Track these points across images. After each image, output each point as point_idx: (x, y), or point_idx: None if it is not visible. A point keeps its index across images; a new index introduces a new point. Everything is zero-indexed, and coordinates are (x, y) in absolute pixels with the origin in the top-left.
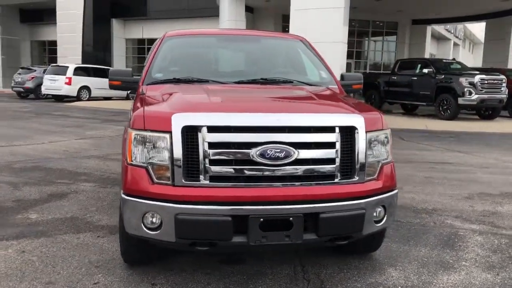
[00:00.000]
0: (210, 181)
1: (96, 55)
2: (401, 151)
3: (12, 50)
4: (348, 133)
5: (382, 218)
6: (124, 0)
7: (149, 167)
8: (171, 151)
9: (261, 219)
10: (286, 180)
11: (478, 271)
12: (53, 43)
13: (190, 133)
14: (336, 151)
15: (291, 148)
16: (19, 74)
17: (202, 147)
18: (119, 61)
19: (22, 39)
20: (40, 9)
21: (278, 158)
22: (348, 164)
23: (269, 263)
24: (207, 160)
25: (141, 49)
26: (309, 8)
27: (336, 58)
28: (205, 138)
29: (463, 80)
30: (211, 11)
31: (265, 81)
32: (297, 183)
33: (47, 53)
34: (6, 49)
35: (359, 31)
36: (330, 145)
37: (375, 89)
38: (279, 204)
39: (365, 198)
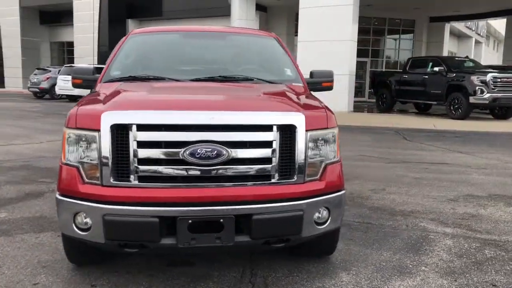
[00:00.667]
0: (139, 181)
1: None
2: (400, 151)
3: (32, 51)
4: (287, 132)
5: (326, 220)
6: (140, 0)
7: (80, 166)
8: (100, 150)
9: (190, 221)
10: (218, 180)
11: (435, 277)
12: (71, 44)
13: (120, 132)
14: (273, 150)
15: (223, 147)
16: (35, 74)
17: (132, 146)
18: None
19: (42, 41)
20: (58, 10)
21: (209, 158)
22: (287, 164)
23: (218, 265)
24: (136, 160)
25: None
26: (317, 5)
27: (345, 57)
28: (135, 136)
29: (475, 79)
30: (224, 10)
31: (224, 79)
32: (229, 184)
33: (66, 54)
34: (27, 51)
35: (376, 29)
36: (267, 144)
37: (387, 88)
38: (208, 205)
39: (303, 199)
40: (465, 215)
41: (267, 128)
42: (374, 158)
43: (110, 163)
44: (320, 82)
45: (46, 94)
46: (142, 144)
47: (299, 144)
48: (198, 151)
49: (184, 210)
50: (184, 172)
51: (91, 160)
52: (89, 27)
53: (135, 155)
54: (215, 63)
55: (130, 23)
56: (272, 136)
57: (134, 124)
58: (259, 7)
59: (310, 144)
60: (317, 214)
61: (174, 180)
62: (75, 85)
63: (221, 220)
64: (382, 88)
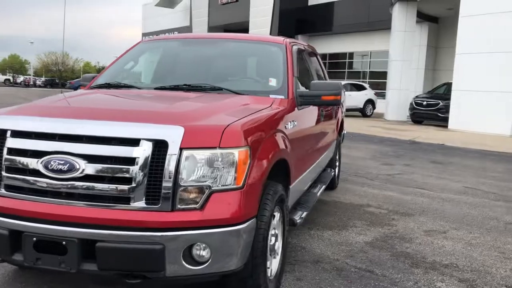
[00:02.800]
0: (5, 190)
1: None
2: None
3: None
4: (160, 148)
5: (205, 261)
6: (310, 16)
7: None
8: None
9: (34, 238)
10: (71, 197)
11: None
12: None
13: (0, 138)
14: (136, 169)
15: (79, 160)
16: None
17: (4, 152)
18: None
19: None
20: (240, 29)
21: (61, 171)
22: (154, 187)
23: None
24: (4, 167)
25: (324, 64)
26: (479, 13)
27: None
28: (7, 143)
29: None
30: (388, 23)
31: (189, 88)
32: (81, 203)
33: None
34: None
35: None
36: (129, 161)
37: None
38: (53, 224)
39: (165, 230)
40: None
41: (133, 142)
42: (480, 192)
43: None
44: (319, 95)
45: None
46: (10, 151)
47: (169, 164)
48: (52, 162)
49: (29, 225)
50: (36, 185)
51: None
52: None
53: (3, 162)
54: (197, 71)
55: (300, 39)
56: (137, 152)
57: (8, 129)
58: (428, 18)
59: (187, 165)
60: (191, 251)
61: (28, 192)
62: None
63: (64, 242)
64: None
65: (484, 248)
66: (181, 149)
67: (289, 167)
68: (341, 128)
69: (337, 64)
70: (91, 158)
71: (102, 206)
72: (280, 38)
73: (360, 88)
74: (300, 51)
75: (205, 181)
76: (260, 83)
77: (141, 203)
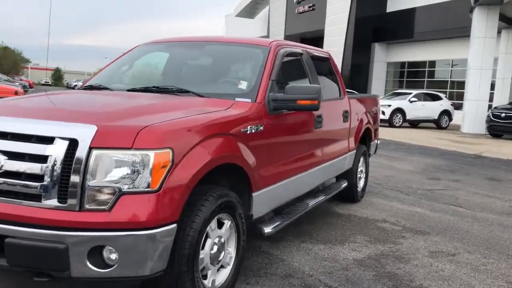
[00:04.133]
0: None
1: (352, 79)
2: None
3: None
4: (72, 147)
5: (112, 264)
6: (388, 24)
7: None
8: None
9: None
10: None
11: None
12: None
13: None
14: (47, 167)
15: (0, 156)
16: None
17: None
18: (378, 85)
19: None
20: (315, 37)
21: None
22: (64, 185)
23: None
24: None
25: (402, 72)
26: None
27: None
28: None
29: None
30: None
31: (157, 90)
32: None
33: None
34: None
35: None
36: (42, 158)
37: None
38: None
39: (69, 230)
40: None
41: (48, 140)
42: None
43: None
44: (294, 99)
45: None
46: None
47: (78, 163)
48: None
49: None
50: None
51: None
52: (336, 52)
53: None
54: (173, 74)
55: (377, 47)
56: (50, 150)
57: None
58: None
59: (96, 165)
60: (98, 253)
61: None
62: None
63: None
64: None
65: (490, 276)
66: (90, 148)
67: (247, 174)
68: (367, 137)
69: (417, 73)
70: (10, 155)
71: (16, 202)
72: (268, 41)
73: (435, 98)
74: (293, 55)
75: (116, 183)
76: (230, 86)
77: (54, 202)
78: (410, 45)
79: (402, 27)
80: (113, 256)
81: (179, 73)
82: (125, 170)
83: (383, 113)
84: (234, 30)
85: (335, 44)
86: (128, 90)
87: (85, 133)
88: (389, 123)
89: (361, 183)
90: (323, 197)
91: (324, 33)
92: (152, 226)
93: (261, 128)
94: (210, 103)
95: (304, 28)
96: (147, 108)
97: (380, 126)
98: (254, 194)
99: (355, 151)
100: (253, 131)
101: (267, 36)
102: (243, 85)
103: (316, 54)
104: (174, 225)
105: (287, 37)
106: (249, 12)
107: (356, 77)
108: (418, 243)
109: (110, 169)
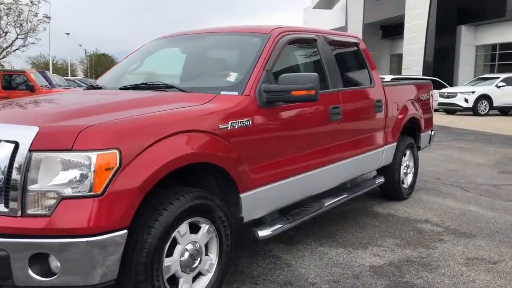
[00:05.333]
0: None
1: (436, 66)
2: None
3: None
4: (15, 150)
5: (55, 272)
6: (476, 3)
7: None
8: None
9: None
10: None
11: None
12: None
13: None
14: None
15: None
16: None
17: None
18: (465, 71)
19: (381, 54)
20: (398, 23)
21: None
22: (7, 190)
23: None
24: None
25: (493, 56)
26: None
27: None
28: None
29: None
30: None
31: (146, 86)
32: None
33: (403, 65)
34: None
35: None
36: None
37: None
38: None
39: (9, 237)
40: None
41: None
42: None
43: None
44: (288, 90)
45: None
46: None
47: (18, 167)
48: None
49: None
50: None
51: None
52: (417, 38)
53: None
54: (167, 69)
55: (463, 29)
56: None
57: None
58: None
59: (36, 168)
60: (39, 261)
61: None
62: None
63: None
64: None
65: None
66: (30, 150)
67: (229, 173)
68: (415, 128)
69: (510, 56)
70: None
71: None
72: (270, 28)
73: None
74: (303, 41)
75: (57, 186)
76: (218, 79)
77: (1, 207)
78: (502, 25)
79: (492, 6)
80: (56, 264)
81: (177, 68)
82: (67, 173)
83: (466, 100)
84: (312, 23)
85: (416, 30)
86: (120, 88)
87: (25, 135)
88: (474, 111)
89: (407, 179)
90: (345, 195)
91: (404, 19)
92: (95, 232)
93: (248, 123)
94: (188, 99)
95: (383, 15)
96: (106, 107)
97: (463, 115)
98: (242, 195)
99: (394, 144)
100: (236, 126)
101: (345, 27)
102: (233, 77)
103: (338, 39)
104: (124, 232)
105: (366, 26)
106: (326, 2)
107: (440, 64)
108: (456, 248)
109: (51, 172)
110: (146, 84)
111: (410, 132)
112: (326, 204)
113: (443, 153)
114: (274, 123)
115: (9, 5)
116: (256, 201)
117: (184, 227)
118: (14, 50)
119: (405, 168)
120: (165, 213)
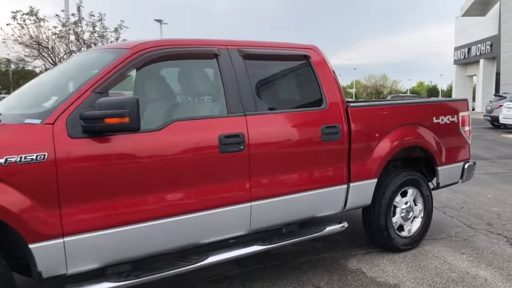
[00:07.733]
0: None
1: None
2: None
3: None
4: None
5: None
6: None
7: None
8: None
9: None
10: None
11: None
12: None
13: None
14: None
15: None
16: (490, 102)
17: None
18: None
19: None
20: None
21: None
22: None
23: None
24: None
25: None
26: None
27: None
28: None
29: None
30: None
31: None
32: None
33: None
34: None
35: None
36: None
37: None
38: None
39: None
40: None
41: None
42: None
43: None
44: (102, 117)
45: (496, 122)
46: None
47: None
48: None
49: None
50: None
51: None
52: None
53: None
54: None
55: None
56: None
57: None
58: None
59: None
60: None
61: None
62: None
63: None
64: None
65: None
66: None
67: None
68: (429, 160)
69: None
70: None
71: None
72: (136, 43)
73: None
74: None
75: None
76: (40, 103)
77: None
78: None
79: None
80: None
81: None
82: None
83: None
84: (463, 32)
85: None
86: None
87: None
88: None
89: (411, 226)
90: (259, 247)
91: None
92: None
93: (41, 158)
94: None
95: None
96: None
97: None
98: (32, 246)
99: (374, 180)
100: (18, 161)
101: (498, 36)
102: (51, 101)
103: (265, 52)
104: None
105: None
106: (479, 8)
107: None
108: None
109: None
110: None
111: (414, 165)
112: (208, 260)
113: (491, 185)
114: (94, 157)
115: (102, 32)
116: (53, 255)
117: None
118: None
119: (405, 211)
120: None
